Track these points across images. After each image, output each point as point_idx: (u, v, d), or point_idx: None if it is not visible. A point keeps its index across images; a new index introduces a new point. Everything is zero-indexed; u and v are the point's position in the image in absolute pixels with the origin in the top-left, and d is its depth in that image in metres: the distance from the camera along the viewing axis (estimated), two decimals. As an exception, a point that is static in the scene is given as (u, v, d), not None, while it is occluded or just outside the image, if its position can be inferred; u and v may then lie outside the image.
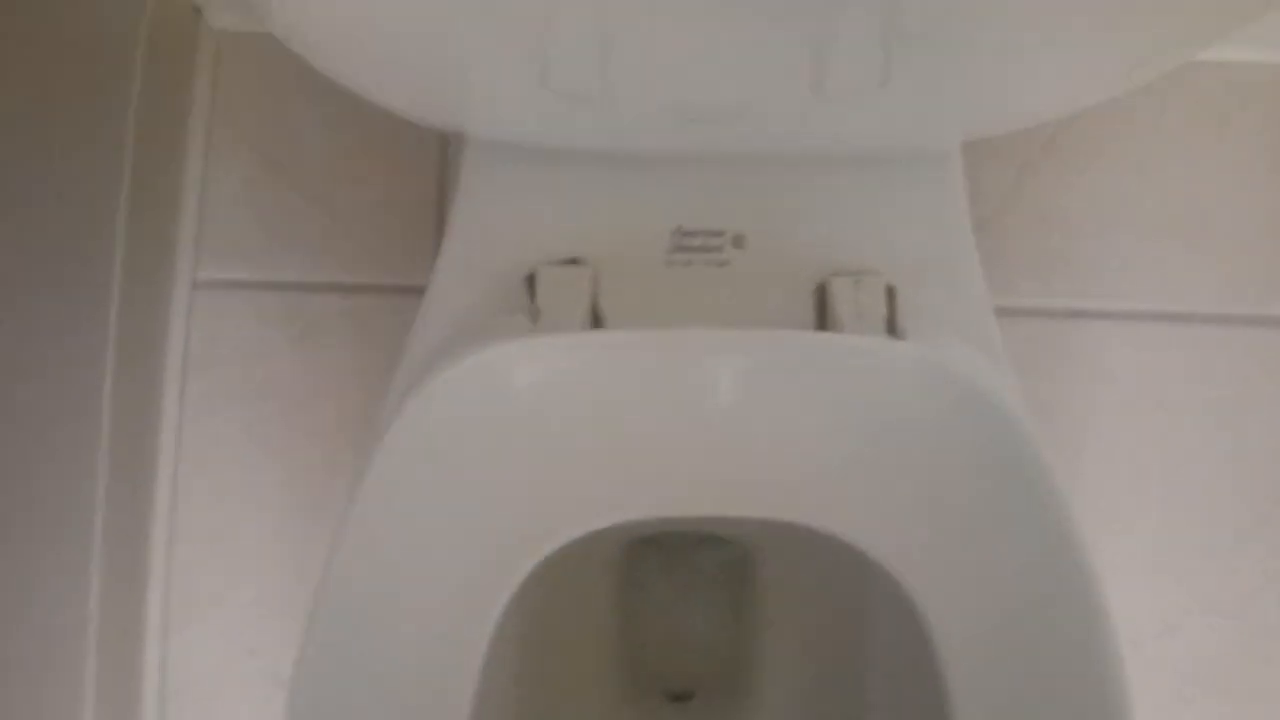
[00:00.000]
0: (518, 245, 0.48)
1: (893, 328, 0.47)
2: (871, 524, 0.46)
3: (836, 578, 0.60)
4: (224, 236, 0.83)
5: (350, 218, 0.82)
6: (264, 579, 0.81)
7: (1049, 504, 0.43)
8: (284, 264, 0.83)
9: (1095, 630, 0.43)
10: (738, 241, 0.49)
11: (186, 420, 0.82)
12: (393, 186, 0.82)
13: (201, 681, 0.81)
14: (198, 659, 0.81)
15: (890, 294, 0.47)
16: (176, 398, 0.83)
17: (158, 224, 0.82)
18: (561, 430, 0.43)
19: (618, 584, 0.62)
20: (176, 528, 0.82)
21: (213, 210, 0.84)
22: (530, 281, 0.47)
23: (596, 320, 0.47)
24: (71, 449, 0.74)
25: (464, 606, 0.44)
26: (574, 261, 0.48)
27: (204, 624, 0.81)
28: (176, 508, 0.82)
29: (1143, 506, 0.80)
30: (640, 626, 0.63)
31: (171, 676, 0.81)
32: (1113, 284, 0.82)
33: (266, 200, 0.83)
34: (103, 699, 0.76)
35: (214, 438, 0.82)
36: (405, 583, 0.44)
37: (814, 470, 0.46)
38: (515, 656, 0.57)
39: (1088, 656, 0.44)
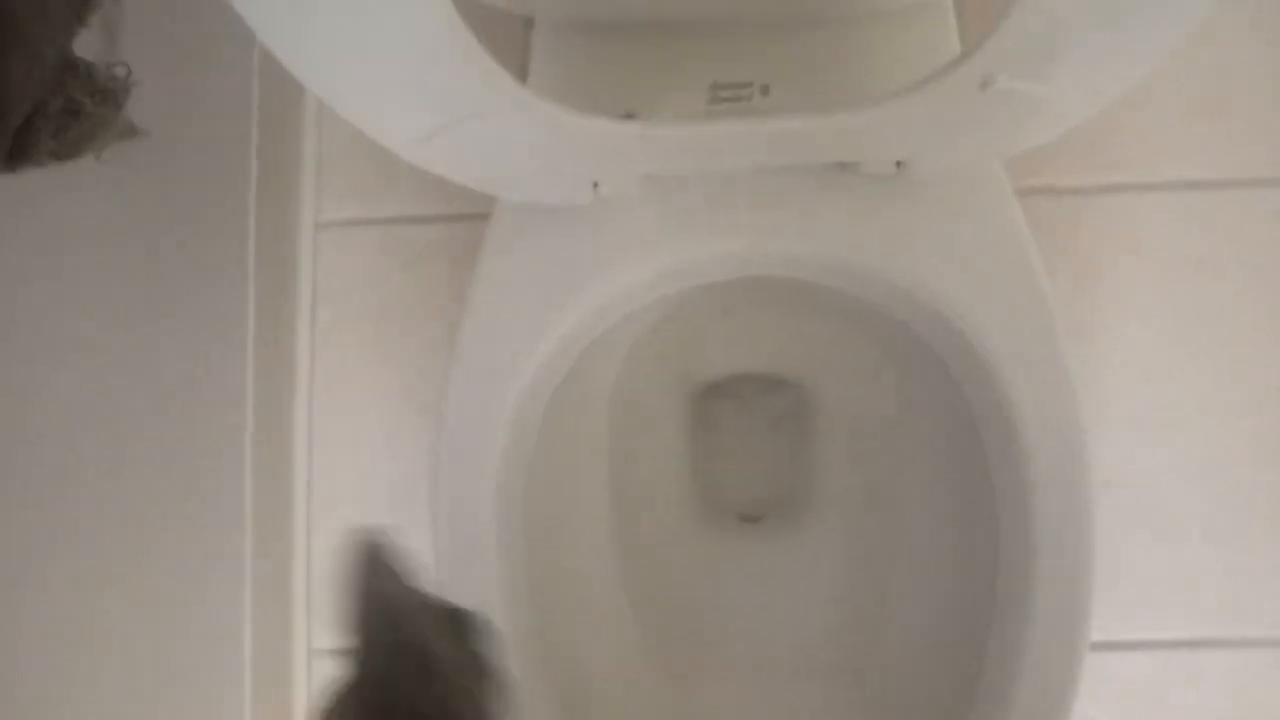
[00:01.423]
0: (583, 105, 0.58)
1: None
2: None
3: (888, 406, 0.68)
4: (339, 181, 0.95)
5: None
6: (392, 476, 0.92)
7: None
8: (391, 201, 0.94)
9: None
10: (764, 90, 0.58)
11: (318, 344, 0.94)
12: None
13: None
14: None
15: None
16: (308, 324, 0.94)
17: (282, 176, 0.94)
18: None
19: (692, 427, 0.72)
20: (314, 436, 0.93)
21: (328, 159, 0.95)
22: (594, 134, 0.57)
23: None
24: (221, 374, 0.86)
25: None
26: (629, 116, 0.58)
27: (343, 520, 0.92)
28: (313, 419, 0.93)
29: (1188, 360, 0.86)
30: (714, 462, 0.72)
31: (316, 568, 0.93)
32: (1141, 158, 0.88)
33: (375, 146, 0.95)
34: (260, 587, 0.88)
35: (342, 358, 0.93)
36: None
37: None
38: (606, 482, 0.67)
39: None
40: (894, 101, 0.49)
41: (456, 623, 0.37)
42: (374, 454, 0.93)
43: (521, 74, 0.61)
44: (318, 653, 0.93)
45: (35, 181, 0.84)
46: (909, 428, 0.67)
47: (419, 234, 0.94)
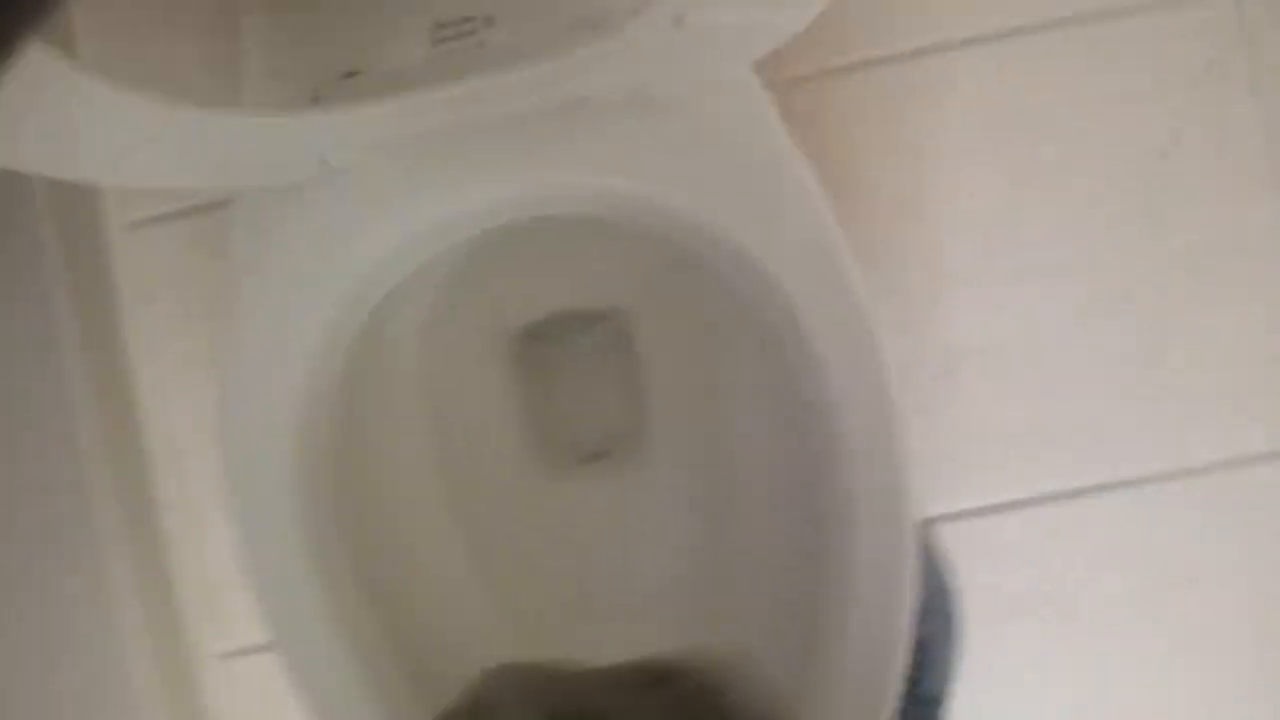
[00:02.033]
0: (306, 71, 0.54)
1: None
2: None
3: (704, 324, 0.66)
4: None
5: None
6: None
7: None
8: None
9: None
10: (488, 22, 0.54)
11: (147, 347, 0.90)
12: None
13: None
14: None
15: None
16: (134, 329, 0.90)
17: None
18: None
19: (516, 373, 0.69)
20: (168, 443, 0.90)
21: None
22: (316, 100, 0.53)
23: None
24: (46, 394, 0.82)
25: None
26: (352, 74, 0.54)
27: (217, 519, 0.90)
28: (161, 424, 0.90)
29: (1030, 214, 0.84)
30: (544, 405, 0.70)
31: (200, 576, 0.90)
32: (953, 13, 0.84)
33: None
34: (144, 610, 0.85)
35: (173, 356, 0.90)
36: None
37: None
38: (430, 442, 0.65)
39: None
40: (595, 47, 0.46)
41: None
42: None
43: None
44: (223, 656, 0.91)
45: None
46: (723, 346, 0.65)
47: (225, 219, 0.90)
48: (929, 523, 0.83)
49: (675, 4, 0.45)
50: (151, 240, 0.91)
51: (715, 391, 0.66)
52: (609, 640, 0.64)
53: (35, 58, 0.37)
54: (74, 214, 0.88)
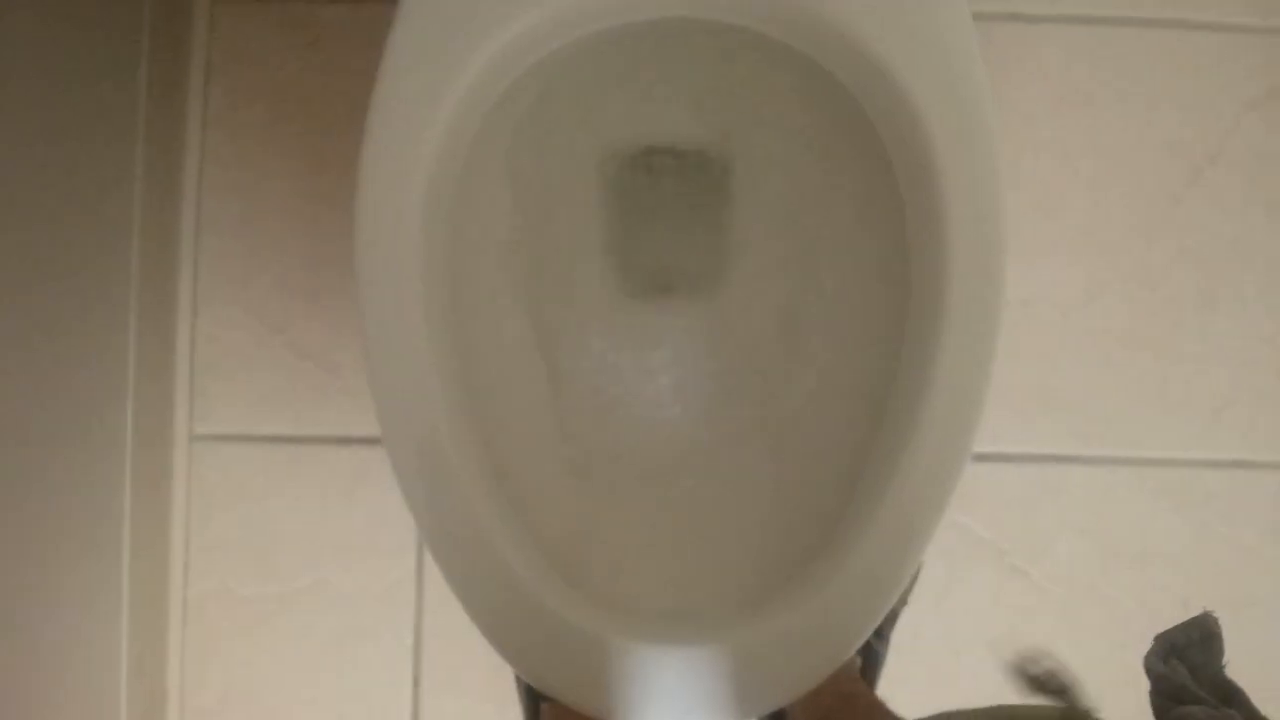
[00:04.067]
0: None
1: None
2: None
3: (806, 166, 0.69)
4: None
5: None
6: (283, 259, 0.90)
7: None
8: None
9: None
10: None
11: (210, 120, 0.90)
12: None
13: (230, 355, 0.90)
14: (226, 335, 0.90)
15: None
16: (200, 100, 0.90)
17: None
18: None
19: (606, 197, 0.72)
20: (203, 215, 0.90)
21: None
22: None
23: None
24: (107, 148, 0.81)
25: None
26: None
27: (231, 304, 0.90)
28: (202, 197, 0.90)
29: (1072, 191, 0.91)
30: (628, 232, 0.72)
31: (200, 351, 0.90)
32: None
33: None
34: (141, 370, 0.85)
35: (235, 132, 0.90)
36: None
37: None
38: (521, 261, 0.67)
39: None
40: None
41: None
42: (264, 236, 0.90)
43: None
44: (198, 438, 0.90)
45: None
46: (832, 196, 0.68)
47: (327, 13, 0.90)
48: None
49: None
50: (239, 17, 0.91)
51: (807, 238, 0.69)
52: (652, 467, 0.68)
53: None
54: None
